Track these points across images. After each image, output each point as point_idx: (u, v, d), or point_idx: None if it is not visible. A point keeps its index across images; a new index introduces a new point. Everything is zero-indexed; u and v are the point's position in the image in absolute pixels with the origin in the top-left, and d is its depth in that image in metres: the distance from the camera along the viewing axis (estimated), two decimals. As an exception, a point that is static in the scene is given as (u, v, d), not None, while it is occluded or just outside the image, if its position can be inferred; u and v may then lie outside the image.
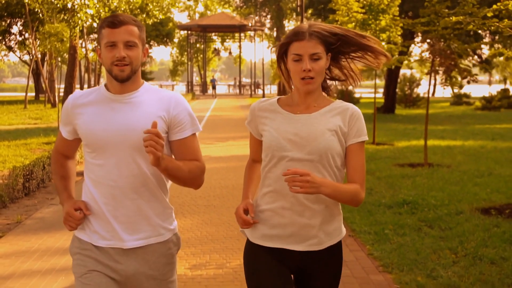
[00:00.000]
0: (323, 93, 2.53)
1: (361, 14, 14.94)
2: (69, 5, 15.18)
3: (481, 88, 60.70)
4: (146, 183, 2.51)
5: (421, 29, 11.03)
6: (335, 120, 2.42)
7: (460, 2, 9.86)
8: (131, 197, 2.50)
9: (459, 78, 11.69)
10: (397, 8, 14.86)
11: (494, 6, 7.54)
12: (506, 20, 7.37)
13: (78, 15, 15.65)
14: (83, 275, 2.50)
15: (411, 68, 41.93)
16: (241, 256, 6.01)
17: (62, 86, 30.94)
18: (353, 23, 14.92)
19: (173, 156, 2.62)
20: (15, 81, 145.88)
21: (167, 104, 2.51)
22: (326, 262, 2.53)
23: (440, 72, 11.44)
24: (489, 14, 7.67)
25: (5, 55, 53.23)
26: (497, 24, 7.35)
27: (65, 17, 20.36)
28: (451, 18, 8.15)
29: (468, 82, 11.28)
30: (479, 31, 23.02)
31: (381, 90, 46.19)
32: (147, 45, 2.56)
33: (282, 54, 2.46)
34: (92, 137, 2.50)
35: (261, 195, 2.54)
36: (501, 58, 7.65)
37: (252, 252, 2.59)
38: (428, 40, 11.19)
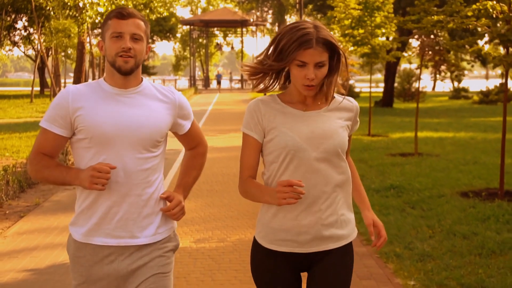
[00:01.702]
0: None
1: (358, 11, 15.58)
2: (81, 4, 15.81)
3: (479, 83, 61.27)
4: (150, 179, 2.50)
5: (412, 26, 11.67)
6: (344, 117, 2.46)
7: (448, 1, 10.49)
8: (135, 194, 2.46)
9: (449, 73, 12.31)
10: (392, 6, 15.48)
11: (474, 6, 8.19)
12: (483, 19, 8.01)
13: (88, 12, 16.29)
14: (79, 285, 2.54)
15: (410, 63, 42.51)
16: (239, 232, 6.70)
17: (68, 81, 31.73)
18: (349, 20, 15.56)
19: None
20: (18, 76, 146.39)
21: (172, 101, 2.57)
22: (340, 258, 2.51)
23: (430, 66, 12.08)
24: (469, 14, 8.30)
25: (9, 49, 53.96)
26: (475, 23, 8.00)
27: (71, 13, 21.06)
28: (433, 17, 8.79)
29: (456, 76, 11.92)
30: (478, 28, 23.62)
31: (382, 84, 46.73)
32: (150, 44, 2.56)
33: (285, 57, 2.35)
34: (97, 130, 2.41)
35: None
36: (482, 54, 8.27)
37: (264, 258, 2.50)
38: (417, 36, 11.80)
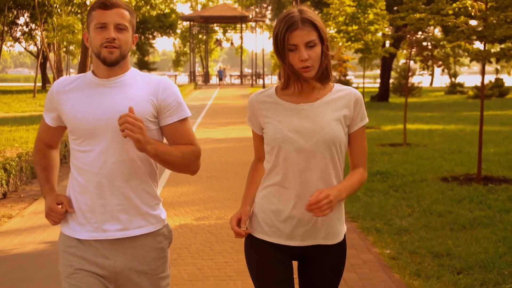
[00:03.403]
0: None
1: (352, 8, 16.21)
2: (88, 2, 16.43)
3: (476, 78, 61.93)
4: (135, 170, 2.43)
5: (401, 23, 12.29)
6: (339, 108, 2.40)
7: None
8: (118, 185, 2.41)
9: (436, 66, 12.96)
10: (384, 3, 16.11)
11: (454, 5, 8.83)
12: (462, 16, 8.65)
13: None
14: (69, 276, 2.44)
15: (407, 58, 43.14)
16: (236, 211, 7.34)
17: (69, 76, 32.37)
18: (343, 17, 16.20)
19: (165, 141, 2.55)
20: (18, 72, 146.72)
21: (155, 87, 2.44)
22: (330, 254, 2.50)
23: (418, 61, 12.73)
24: (450, 12, 8.93)
25: (11, 45, 54.51)
26: (454, 20, 8.63)
27: (73, 10, 21.71)
28: (415, 14, 9.43)
29: (443, 70, 12.59)
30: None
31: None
32: (136, 34, 2.50)
33: (281, 48, 2.33)
34: (78, 122, 2.40)
35: (264, 186, 2.52)
36: (460, 50, 8.91)
37: (254, 246, 2.53)
38: (410, 33, 12.44)
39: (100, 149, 2.39)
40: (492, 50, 9.02)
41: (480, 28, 8.38)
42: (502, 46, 8.67)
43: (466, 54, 8.39)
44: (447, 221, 6.72)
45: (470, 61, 8.65)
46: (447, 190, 8.18)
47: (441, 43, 12.14)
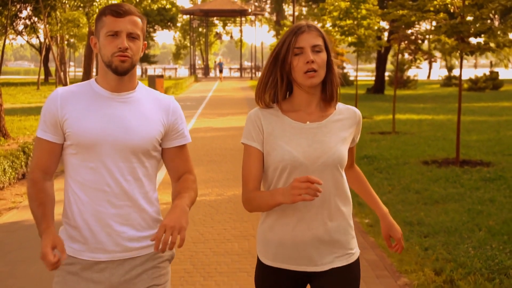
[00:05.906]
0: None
1: (346, 3, 16.97)
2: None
3: (471, 71, 62.74)
4: (140, 190, 2.35)
5: (390, 18, 13.07)
6: (346, 127, 2.37)
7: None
8: (124, 204, 2.31)
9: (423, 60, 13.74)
10: (376, -2, 16.87)
11: (435, 2, 9.62)
12: (442, 13, 9.44)
13: (95, 3, 17.65)
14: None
15: (396, 52, 43.82)
16: (234, 190, 8.16)
17: (75, 70, 32.93)
18: (337, 11, 16.97)
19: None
20: (18, 64, 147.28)
21: (165, 107, 2.39)
22: (345, 276, 2.37)
23: (407, 54, 13.53)
24: (431, 8, 9.72)
25: (13, 38, 55.15)
26: (434, 17, 9.42)
27: (76, 4, 22.43)
28: (399, 11, 10.22)
29: (430, 63, 13.38)
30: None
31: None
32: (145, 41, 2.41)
33: (283, 57, 2.28)
34: (85, 135, 2.25)
35: (265, 216, 2.40)
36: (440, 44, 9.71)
37: (264, 275, 2.41)
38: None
39: (108, 167, 2.27)
40: (472, 43, 9.80)
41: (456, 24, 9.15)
42: (480, 40, 9.46)
43: (443, 47, 9.17)
44: (422, 197, 7.53)
45: (448, 54, 9.43)
46: (427, 172, 8.99)
47: (427, 37, 12.91)
